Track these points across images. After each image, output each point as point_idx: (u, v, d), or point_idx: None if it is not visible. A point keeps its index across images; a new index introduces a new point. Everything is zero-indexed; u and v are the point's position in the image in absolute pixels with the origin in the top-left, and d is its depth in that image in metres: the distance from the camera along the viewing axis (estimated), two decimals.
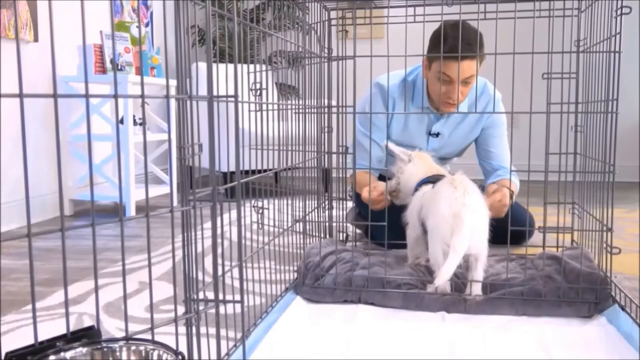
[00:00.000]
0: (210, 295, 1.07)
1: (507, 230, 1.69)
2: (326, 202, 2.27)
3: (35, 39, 3.03)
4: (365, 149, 2.29)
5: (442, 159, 2.59)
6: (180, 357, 0.91)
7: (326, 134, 2.17)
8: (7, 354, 0.83)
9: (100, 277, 2.04)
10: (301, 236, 2.03)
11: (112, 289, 1.88)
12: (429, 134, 2.39)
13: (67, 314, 0.89)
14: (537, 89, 1.67)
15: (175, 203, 3.39)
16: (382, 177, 2.36)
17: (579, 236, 1.95)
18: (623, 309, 1.56)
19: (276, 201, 2.04)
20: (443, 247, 1.60)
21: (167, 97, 0.97)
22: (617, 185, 1.66)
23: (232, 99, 1.07)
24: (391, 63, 1.78)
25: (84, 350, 0.90)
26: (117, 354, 0.92)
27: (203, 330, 1.12)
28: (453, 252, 1.54)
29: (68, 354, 0.88)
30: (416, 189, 1.87)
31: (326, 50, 2.15)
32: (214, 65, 1.07)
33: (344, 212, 2.48)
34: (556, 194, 1.86)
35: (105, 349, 0.92)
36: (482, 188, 1.92)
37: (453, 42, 1.87)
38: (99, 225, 0.88)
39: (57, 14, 3.18)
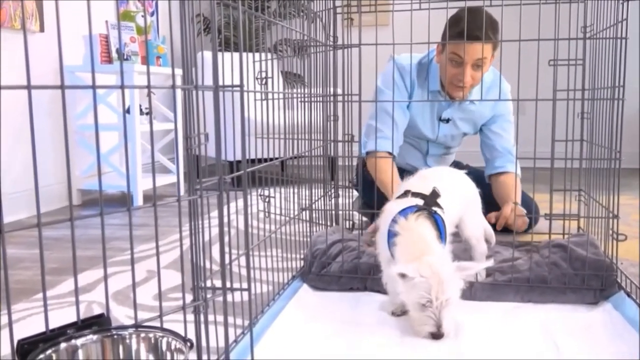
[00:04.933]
0: (218, 283, 1.08)
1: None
2: (332, 191, 2.27)
3: (41, 29, 3.04)
4: (388, 117, 2.19)
5: (448, 147, 2.58)
6: (188, 344, 0.92)
7: (332, 123, 2.17)
8: (19, 341, 0.84)
9: (108, 266, 2.06)
10: (307, 224, 2.04)
11: (120, 278, 1.90)
12: (439, 119, 2.37)
13: (77, 302, 0.91)
14: (543, 76, 1.66)
15: (182, 192, 3.41)
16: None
17: (585, 223, 1.95)
18: (629, 295, 1.57)
19: (283, 190, 2.05)
20: None
21: (173, 87, 0.98)
22: (624, 172, 1.66)
23: (238, 88, 1.07)
24: (397, 51, 1.78)
25: (95, 337, 0.92)
26: (127, 341, 0.94)
27: (211, 318, 1.13)
28: None
29: (79, 341, 0.90)
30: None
31: (331, 39, 2.14)
32: (220, 55, 1.07)
33: (350, 201, 2.49)
34: (562, 181, 1.86)
35: (115, 336, 0.93)
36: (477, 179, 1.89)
37: (466, 24, 1.85)
38: (107, 215, 0.89)
39: (62, 3, 3.18)
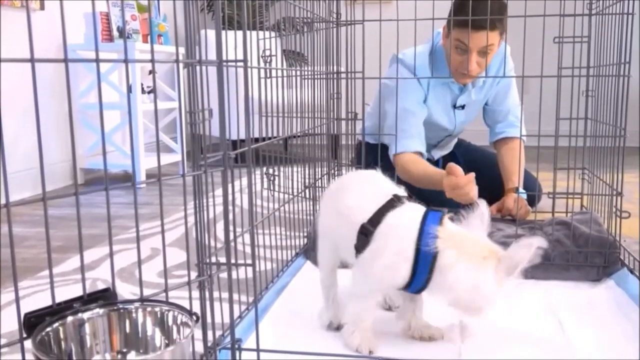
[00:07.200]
0: (222, 260, 1.08)
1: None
2: (335, 169, 2.27)
3: (42, 7, 3.02)
4: (410, 116, 2.17)
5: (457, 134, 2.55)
6: (194, 317, 0.93)
7: (335, 101, 2.16)
8: (26, 314, 0.84)
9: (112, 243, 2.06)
10: (311, 202, 2.04)
11: (124, 256, 1.91)
12: (454, 107, 2.34)
13: (82, 276, 0.91)
14: (548, 53, 1.65)
15: (185, 170, 3.41)
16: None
17: (589, 201, 1.95)
18: (632, 272, 1.57)
19: (286, 168, 2.05)
20: None
21: (177, 61, 0.97)
22: (628, 150, 1.66)
23: (241, 63, 1.06)
24: (400, 27, 1.77)
25: (101, 311, 0.92)
26: (133, 315, 0.94)
27: (216, 295, 1.14)
28: None
29: (85, 315, 0.90)
30: None
31: (334, 15, 2.13)
32: (223, 33, 1.06)
33: None
34: (566, 159, 1.85)
35: (121, 310, 0.94)
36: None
37: (472, 10, 1.81)
38: (110, 193, 0.89)
39: None
